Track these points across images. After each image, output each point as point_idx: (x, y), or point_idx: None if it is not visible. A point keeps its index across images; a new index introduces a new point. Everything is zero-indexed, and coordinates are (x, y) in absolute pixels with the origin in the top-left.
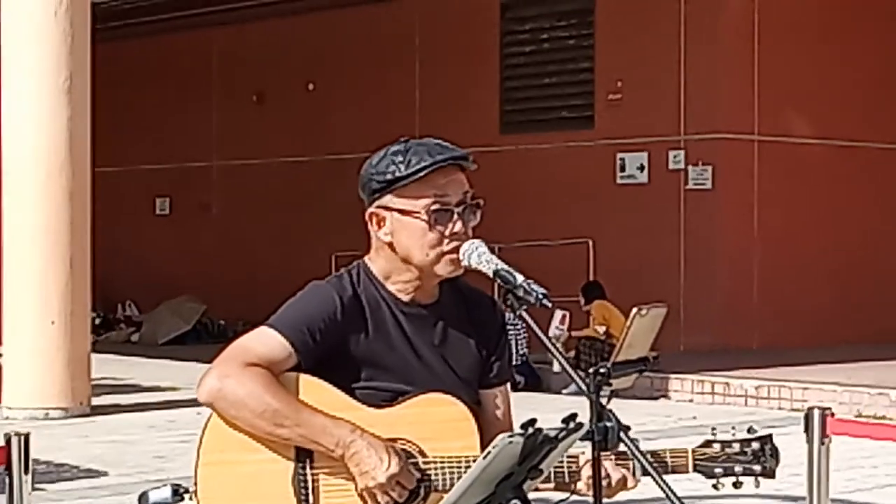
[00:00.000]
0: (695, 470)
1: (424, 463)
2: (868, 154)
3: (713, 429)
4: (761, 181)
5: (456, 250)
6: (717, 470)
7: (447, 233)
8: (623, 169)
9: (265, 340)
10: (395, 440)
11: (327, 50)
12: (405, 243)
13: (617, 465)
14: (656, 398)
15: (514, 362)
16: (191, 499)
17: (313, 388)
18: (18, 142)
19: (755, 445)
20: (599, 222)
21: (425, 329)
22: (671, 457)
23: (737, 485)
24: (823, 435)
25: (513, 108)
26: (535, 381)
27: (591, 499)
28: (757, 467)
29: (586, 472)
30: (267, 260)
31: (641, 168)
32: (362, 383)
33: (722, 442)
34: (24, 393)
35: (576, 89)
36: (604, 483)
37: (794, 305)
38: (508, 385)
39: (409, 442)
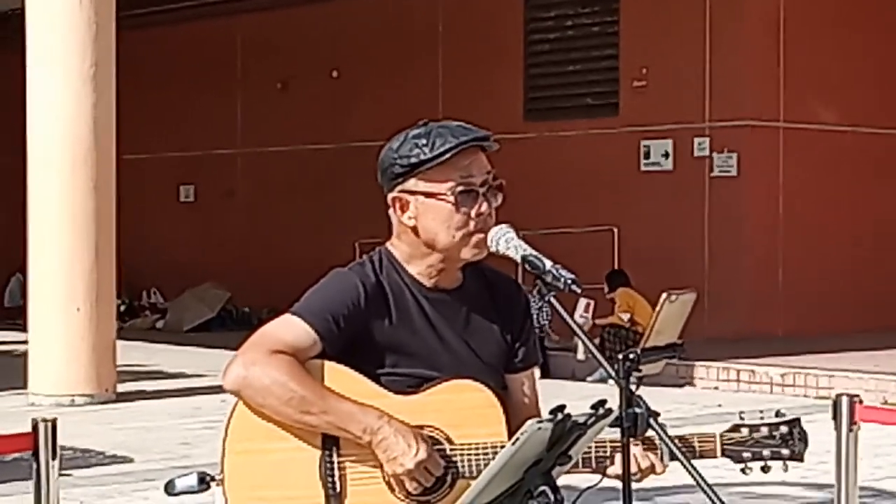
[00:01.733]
0: (723, 455)
1: (451, 450)
2: (894, 140)
3: (741, 413)
4: (786, 168)
5: (482, 231)
6: (746, 454)
7: (473, 213)
8: (648, 156)
9: (290, 328)
10: (421, 427)
11: (351, 37)
12: (430, 226)
13: (645, 451)
14: (681, 386)
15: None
16: (217, 486)
17: (339, 376)
18: (44, 129)
19: (783, 429)
20: (624, 210)
21: (449, 314)
22: (699, 442)
23: (765, 469)
24: (852, 422)
25: (537, 96)
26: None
27: (620, 484)
28: (786, 451)
29: (615, 457)
30: (291, 247)
31: (666, 155)
32: (387, 369)
33: (750, 426)
34: (50, 379)
35: (600, 76)
36: (633, 469)
37: (820, 293)
38: (536, 369)
39: (435, 429)
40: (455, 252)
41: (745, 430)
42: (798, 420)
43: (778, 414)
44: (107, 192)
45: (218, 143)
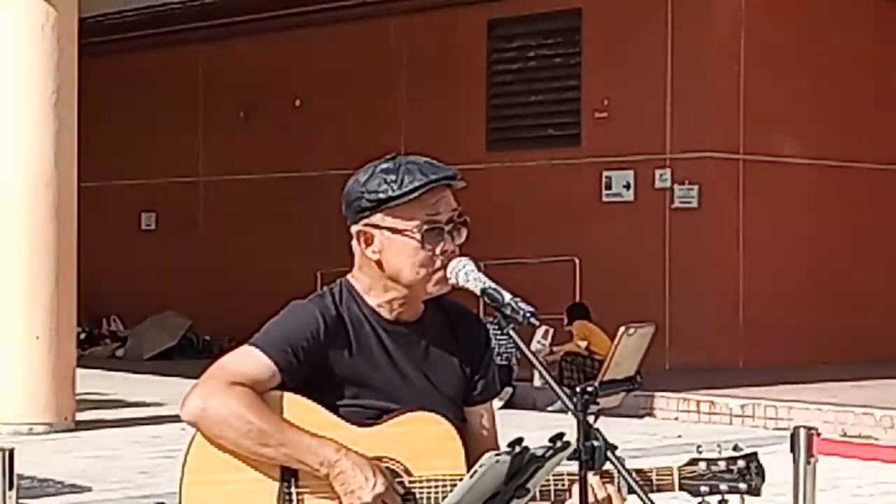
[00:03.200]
0: (680, 489)
1: (410, 482)
2: (854, 174)
3: (699, 447)
4: (747, 200)
5: (443, 269)
6: (703, 488)
7: (438, 251)
8: (609, 187)
9: (249, 360)
10: (380, 459)
11: (314, 67)
12: (395, 261)
13: (603, 482)
14: (641, 416)
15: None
16: None
17: (298, 407)
18: (4, 155)
19: (741, 463)
20: (585, 240)
21: (409, 347)
22: (657, 475)
23: (722, 503)
24: (809, 455)
25: (499, 126)
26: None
27: None
28: (742, 485)
29: (573, 490)
30: (252, 276)
31: (627, 186)
32: (346, 401)
33: (707, 460)
34: (9, 408)
35: (562, 107)
36: (590, 501)
37: (780, 324)
38: (496, 401)
39: (394, 461)
40: (419, 287)
41: (702, 464)
42: (755, 454)
43: (736, 448)
44: (68, 220)
45: (180, 170)
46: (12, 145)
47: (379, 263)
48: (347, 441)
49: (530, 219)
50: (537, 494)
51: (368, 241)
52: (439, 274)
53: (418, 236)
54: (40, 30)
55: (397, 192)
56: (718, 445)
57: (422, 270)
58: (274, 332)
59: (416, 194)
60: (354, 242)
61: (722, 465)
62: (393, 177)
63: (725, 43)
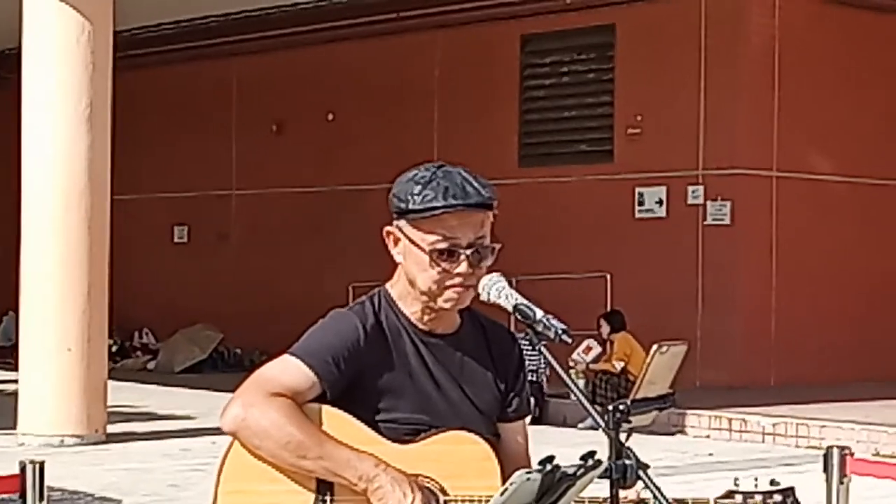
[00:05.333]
0: None
1: (446, 501)
2: (887, 191)
3: (736, 479)
4: (780, 217)
5: (459, 286)
6: None
7: (452, 272)
8: (642, 203)
9: (289, 370)
10: (417, 476)
11: (348, 80)
12: (411, 269)
13: None
14: (673, 434)
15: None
16: None
17: (337, 421)
18: (38, 169)
19: (777, 498)
20: (617, 256)
21: (445, 360)
22: None
23: None
24: (843, 474)
25: (532, 141)
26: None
27: None
28: None
29: None
30: (284, 289)
31: (660, 202)
32: (383, 415)
33: (744, 493)
34: (40, 420)
35: (595, 123)
36: None
37: (812, 342)
38: (527, 420)
39: (430, 479)
40: (430, 299)
41: (738, 497)
42: (792, 490)
43: (772, 483)
44: (100, 233)
45: (212, 184)
46: (46, 158)
47: (404, 266)
48: (385, 457)
49: (563, 234)
50: None
51: (395, 242)
52: (450, 292)
53: (430, 255)
54: (75, 42)
55: (417, 207)
56: (756, 479)
57: (433, 286)
58: (314, 342)
59: (432, 213)
60: (386, 240)
61: (758, 498)
62: (419, 189)
63: (759, 59)
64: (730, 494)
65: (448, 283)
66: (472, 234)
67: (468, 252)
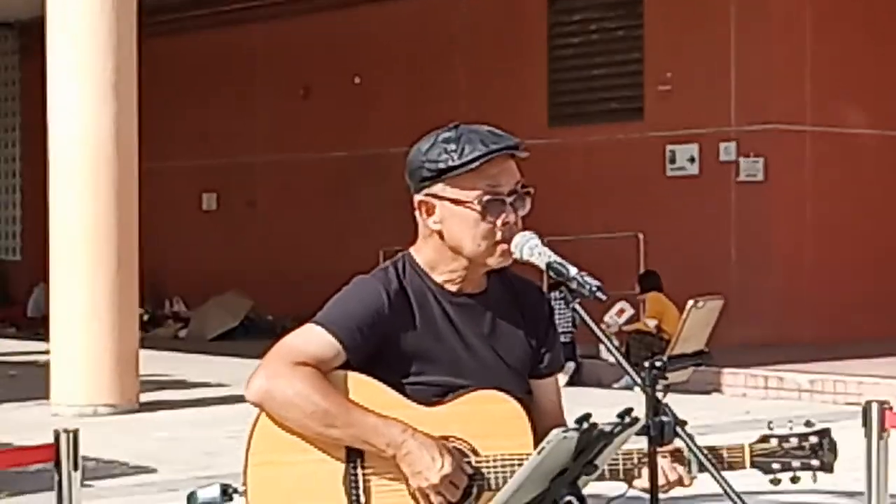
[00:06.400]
0: (752, 466)
1: (477, 462)
2: None
3: (770, 423)
4: (814, 173)
5: (507, 241)
6: (775, 465)
7: (499, 223)
8: (673, 161)
9: (313, 338)
10: (446, 438)
11: (373, 43)
12: (456, 233)
13: (673, 463)
14: (709, 392)
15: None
16: (240, 497)
17: (363, 387)
18: (65, 138)
19: (813, 440)
20: (650, 215)
21: (474, 319)
22: (728, 453)
23: (794, 480)
24: (882, 429)
25: (561, 101)
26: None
27: (647, 495)
28: (815, 462)
29: (643, 470)
30: (314, 255)
31: (692, 160)
32: (412, 378)
33: (779, 437)
34: (73, 389)
35: (625, 81)
36: (660, 482)
37: (848, 298)
38: (559, 377)
39: (460, 440)
40: (480, 260)
41: (774, 441)
42: (828, 430)
43: (808, 424)
44: (129, 201)
45: (240, 150)
46: (72, 125)
47: (440, 234)
48: (413, 421)
49: (593, 194)
50: (606, 472)
51: (430, 212)
52: (501, 247)
53: (479, 207)
54: (99, 11)
55: (458, 162)
56: (790, 422)
57: (483, 243)
58: (338, 310)
59: (476, 164)
60: (417, 212)
61: (794, 441)
62: (454, 146)
63: (790, 12)
64: (765, 439)
65: (498, 236)
66: (512, 181)
67: (511, 200)
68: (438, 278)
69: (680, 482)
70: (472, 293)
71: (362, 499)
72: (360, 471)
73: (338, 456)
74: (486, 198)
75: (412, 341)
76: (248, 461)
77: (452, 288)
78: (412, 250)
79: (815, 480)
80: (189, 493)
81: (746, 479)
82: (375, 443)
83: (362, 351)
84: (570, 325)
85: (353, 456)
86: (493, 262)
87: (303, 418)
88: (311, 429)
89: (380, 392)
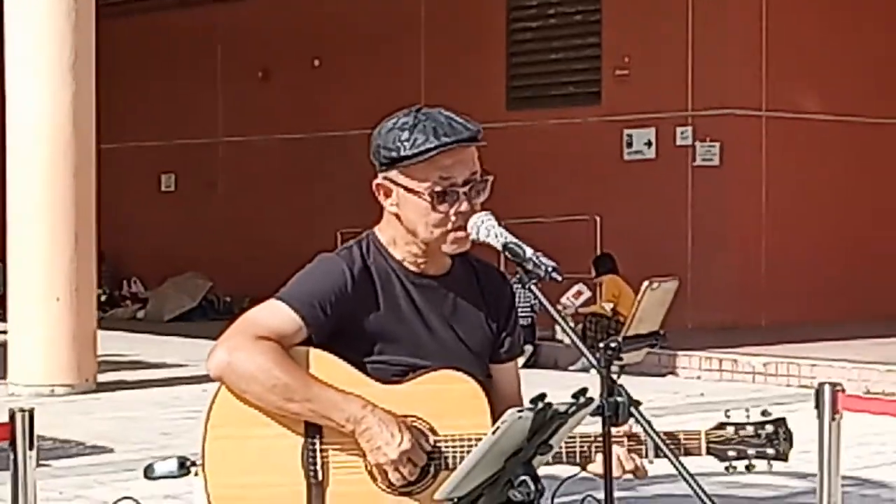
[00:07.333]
0: (707, 453)
1: (435, 440)
2: (877, 130)
3: (727, 411)
4: (769, 157)
5: (461, 228)
6: (731, 453)
7: (452, 213)
8: (630, 145)
9: (275, 314)
10: (406, 417)
11: (333, 26)
12: (410, 219)
13: (630, 453)
14: (664, 375)
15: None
16: (196, 474)
17: (324, 363)
18: (23, 119)
19: (769, 428)
20: (606, 198)
21: (436, 301)
22: (684, 438)
23: (749, 468)
24: (834, 411)
25: (519, 84)
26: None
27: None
28: (770, 451)
29: (599, 454)
30: (272, 236)
31: (649, 144)
32: (373, 357)
33: (735, 424)
34: (30, 369)
35: (583, 65)
36: (616, 472)
37: (803, 282)
38: (518, 360)
39: (419, 419)
40: (435, 245)
41: (730, 429)
42: (784, 420)
43: (764, 413)
44: (86, 182)
45: (199, 132)
46: (30, 108)
47: (398, 217)
48: (373, 398)
49: (551, 177)
50: (563, 455)
51: (388, 194)
52: (454, 234)
53: (429, 199)
54: None
55: (409, 153)
56: (747, 410)
57: (436, 230)
58: (301, 286)
59: (426, 156)
60: (376, 193)
61: (750, 429)
62: (407, 134)
63: None
64: (721, 426)
65: (450, 225)
66: (466, 171)
67: (465, 189)
68: (398, 255)
69: (635, 472)
70: (434, 275)
71: (320, 474)
72: (318, 446)
73: (297, 431)
74: (437, 188)
75: (374, 321)
76: (206, 434)
77: (413, 268)
78: (376, 229)
79: (770, 468)
80: (146, 465)
81: (700, 461)
82: (335, 418)
83: (324, 328)
84: (529, 308)
85: (312, 431)
86: (448, 248)
87: (263, 392)
88: (271, 402)
89: (341, 369)
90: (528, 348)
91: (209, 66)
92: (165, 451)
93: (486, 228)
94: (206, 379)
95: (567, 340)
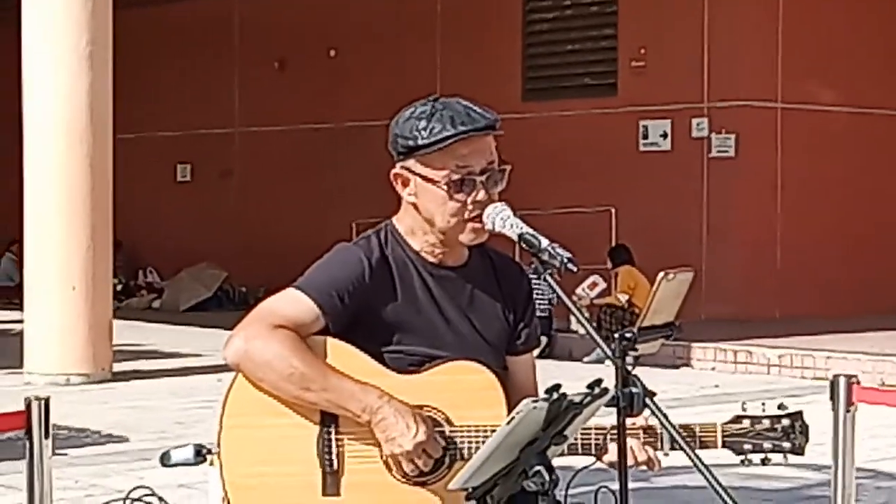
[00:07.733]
0: (723, 446)
1: (451, 431)
2: (893, 122)
3: (743, 404)
4: (785, 149)
5: (478, 218)
6: (747, 446)
7: (469, 202)
8: (646, 136)
9: (293, 303)
10: (421, 407)
11: (349, 16)
12: (428, 208)
13: (644, 445)
14: (678, 366)
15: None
16: (211, 464)
17: (341, 353)
18: (40, 108)
19: (785, 422)
20: (622, 190)
21: (454, 292)
22: (700, 431)
23: (765, 461)
24: (849, 403)
25: (535, 75)
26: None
27: (615, 470)
28: (787, 444)
29: (613, 445)
30: (288, 226)
31: (664, 135)
32: (390, 347)
33: (752, 417)
34: (46, 359)
35: (599, 56)
36: (629, 462)
37: (817, 274)
38: (534, 352)
39: (435, 409)
40: (452, 235)
41: (746, 422)
42: (800, 413)
43: (780, 406)
44: (103, 172)
45: (215, 122)
46: (47, 97)
47: (416, 206)
48: (389, 389)
49: (567, 169)
50: (578, 447)
51: (405, 183)
52: (472, 224)
53: (445, 187)
54: None
55: (426, 141)
56: (763, 403)
57: (452, 220)
58: (319, 275)
59: (443, 145)
60: (394, 182)
61: (766, 423)
62: (424, 123)
63: None
64: (738, 419)
65: (467, 214)
66: (483, 160)
67: (483, 178)
68: (416, 245)
69: (648, 464)
70: (452, 266)
71: (335, 464)
72: (333, 435)
73: (313, 420)
74: (454, 177)
75: (392, 311)
76: (222, 423)
77: (431, 259)
78: (394, 219)
79: (786, 461)
80: (163, 452)
81: (714, 452)
82: (351, 408)
83: (341, 317)
84: (546, 300)
85: (328, 421)
86: (465, 238)
87: (279, 380)
88: (288, 391)
89: (357, 359)
90: (543, 339)
91: (225, 56)
92: (180, 441)
93: (501, 219)
94: (221, 369)
95: (582, 331)
